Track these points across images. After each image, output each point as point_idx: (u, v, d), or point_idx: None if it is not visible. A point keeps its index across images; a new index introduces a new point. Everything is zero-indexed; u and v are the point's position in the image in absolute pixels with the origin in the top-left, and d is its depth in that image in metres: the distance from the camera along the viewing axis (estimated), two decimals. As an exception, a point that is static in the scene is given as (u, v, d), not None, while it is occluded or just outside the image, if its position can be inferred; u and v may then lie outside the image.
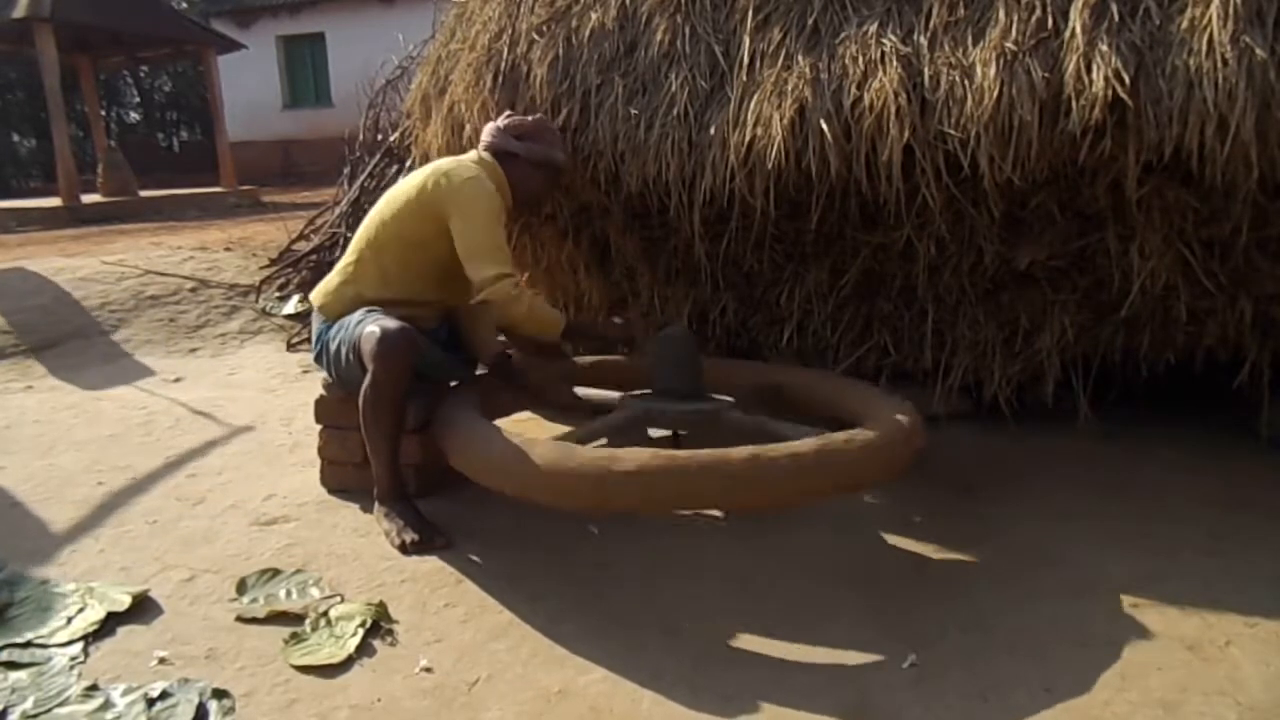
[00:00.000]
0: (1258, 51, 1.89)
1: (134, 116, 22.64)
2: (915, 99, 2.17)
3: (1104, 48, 2.00)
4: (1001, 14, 2.16)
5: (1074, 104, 2.03)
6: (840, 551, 2.16)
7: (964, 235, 2.56)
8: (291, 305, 5.02)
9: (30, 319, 4.54)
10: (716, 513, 2.34)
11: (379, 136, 5.52)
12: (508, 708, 1.58)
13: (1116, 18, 2.03)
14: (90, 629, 1.82)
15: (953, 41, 2.20)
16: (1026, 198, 2.39)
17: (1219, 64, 1.91)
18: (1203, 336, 2.56)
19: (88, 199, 9.86)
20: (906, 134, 2.16)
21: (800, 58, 2.34)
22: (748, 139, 2.32)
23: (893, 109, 2.15)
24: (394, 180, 4.89)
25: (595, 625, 1.83)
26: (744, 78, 2.39)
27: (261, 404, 3.53)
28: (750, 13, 2.47)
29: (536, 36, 2.80)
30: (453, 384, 2.53)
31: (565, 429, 2.40)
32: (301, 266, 5.30)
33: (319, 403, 2.53)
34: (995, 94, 2.08)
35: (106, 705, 1.58)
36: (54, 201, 9.85)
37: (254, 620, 1.86)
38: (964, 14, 2.22)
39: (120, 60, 12.82)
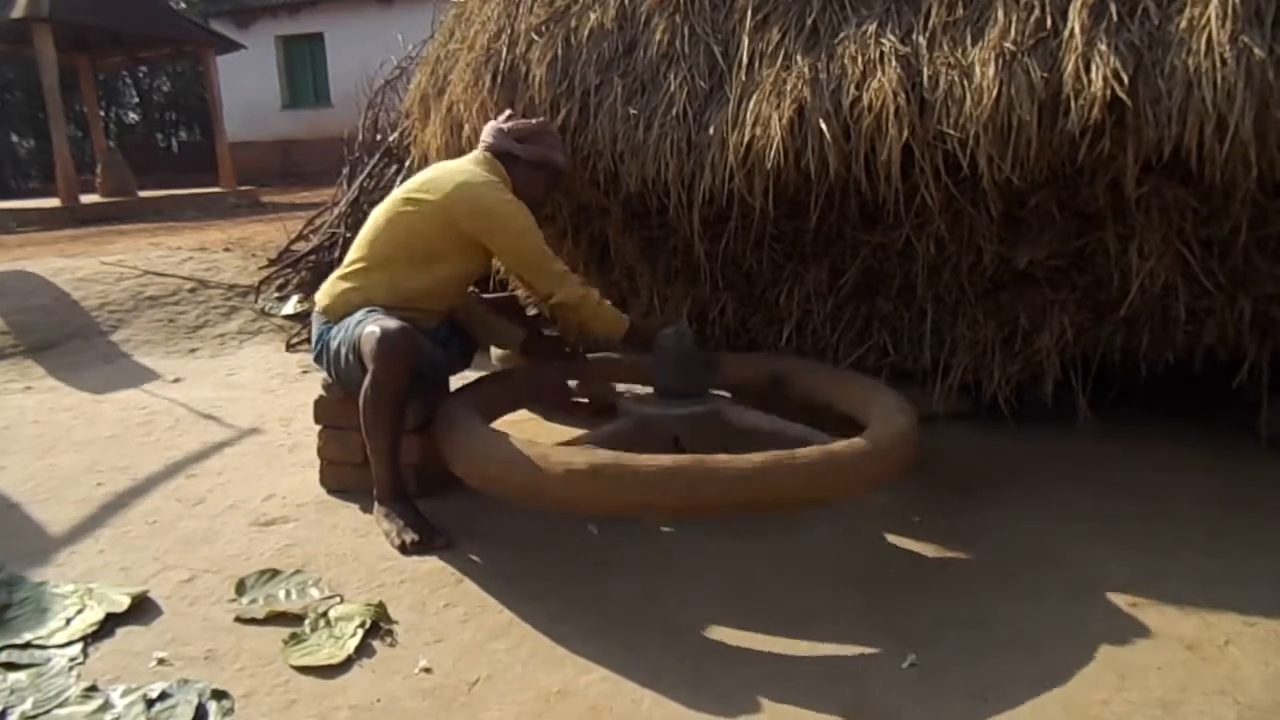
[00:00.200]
0: (1256, 51, 1.89)
1: (133, 117, 22.64)
2: (914, 99, 2.17)
3: (1103, 47, 2.00)
4: (1000, 14, 2.16)
5: (1073, 104, 2.03)
6: (840, 551, 2.16)
7: (963, 235, 2.56)
8: (291, 305, 5.01)
9: (29, 319, 4.53)
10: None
11: (378, 137, 5.52)
12: (507, 708, 1.58)
13: (1115, 17, 2.04)
14: (89, 630, 1.82)
15: (951, 41, 2.20)
16: (1025, 197, 2.39)
17: (1218, 64, 1.91)
18: (1202, 336, 2.56)
19: (86, 199, 9.86)
20: (905, 134, 2.16)
21: (799, 58, 2.34)
22: (747, 139, 2.32)
23: (892, 109, 2.15)
24: (393, 180, 4.89)
25: (595, 625, 1.83)
26: (743, 78, 2.39)
27: (261, 404, 3.53)
28: (749, 13, 2.47)
29: (535, 36, 2.80)
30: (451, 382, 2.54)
31: (564, 429, 2.40)
32: (301, 267, 5.30)
33: (318, 403, 2.53)
34: (994, 94, 2.08)
35: (106, 706, 1.58)
36: (53, 202, 9.85)
37: (253, 621, 1.86)
38: (963, 14, 2.22)
39: (119, 60, 12.80)
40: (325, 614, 1.86)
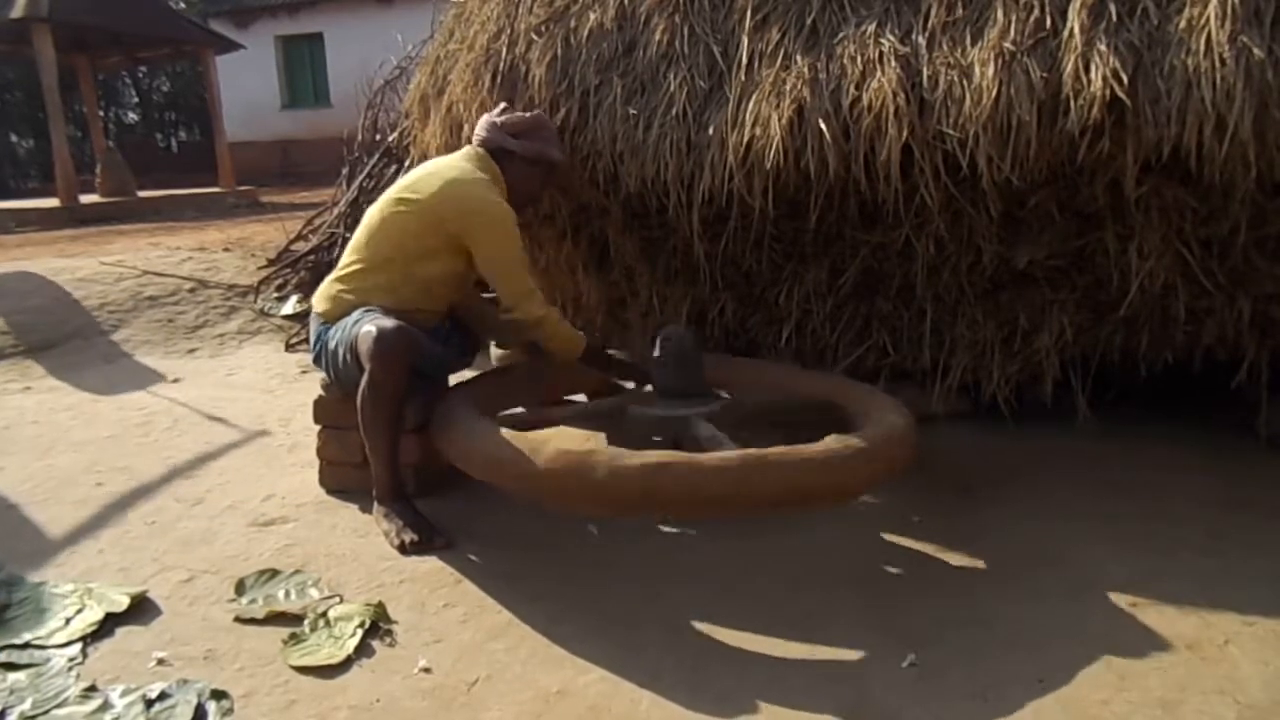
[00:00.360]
0: (1255, 51, 1.89)
1: (132, 117, 22.64)
2: (914, 99, 2.17)
3: (1102, 47, 2.01)
4: (1000, 14, 2.16)
5: (1072, 104, 2.03)
6: (839, 551, 2.16)
7: (963, 235, 2.56)
8: (290, 305, 5.01)
9: (29, 319, 4.53)
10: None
11: (377, 137, 5.51)
12: (507, 708, 1.58)
13: (1114, 17, 2.04)
14: (89, 630, 1.82)
15: (951, 41, 2.20)
16: (1025, 197, 2.39)
17: (1217, 64, 1.91)
18: (1201, 336, 2.56)
19: (86, 199, 9.86)
20: (905, 134, 2.16)
21: (799, 58, 2.34)
22: (746, 139, 2.32)
23: (891, 109, 2.15)
24: (392, 181, 4.88)
25: (594, 625, 1.83)
26: (742, 78, 2.39)
27: (260, 404, 3.52)
28: (749, 13, 2.47)
29: (535, 36, 2.80)
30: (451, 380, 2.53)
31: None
32: (300, 267, 5.30)
33: (318, 403, 2.53)
34: (994, 94, 2.08)
35: (105, 706, 1.58)
36: (52, 202, 9.85)
37: (253, 621, 1.86)
38: (962, 14, 2.22)
39: (118, 60, 12.80)
40: (325, 614, 1.86)
